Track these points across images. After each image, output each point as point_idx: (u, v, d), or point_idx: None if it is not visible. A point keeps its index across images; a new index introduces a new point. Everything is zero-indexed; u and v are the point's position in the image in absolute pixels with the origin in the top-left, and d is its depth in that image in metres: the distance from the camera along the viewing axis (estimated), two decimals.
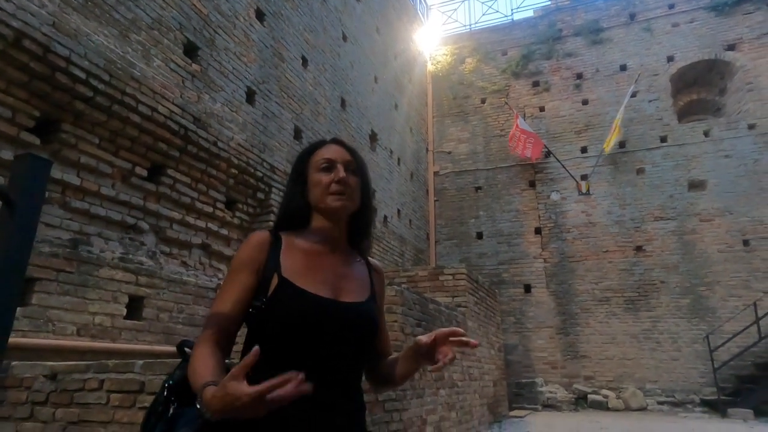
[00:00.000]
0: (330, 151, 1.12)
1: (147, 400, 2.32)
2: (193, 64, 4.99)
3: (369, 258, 1.18)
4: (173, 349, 1.03)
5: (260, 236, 1.06)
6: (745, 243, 9.78)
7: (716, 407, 8.42)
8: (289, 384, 0.73)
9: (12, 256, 1.72)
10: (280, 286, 0.98)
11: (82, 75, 3.80)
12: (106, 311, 3.77)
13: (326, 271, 1.04)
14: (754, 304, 8.94)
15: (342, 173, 1.07)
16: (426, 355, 0.98)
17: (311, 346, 0.96)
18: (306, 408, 0.91)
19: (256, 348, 0.76)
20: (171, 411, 0.92)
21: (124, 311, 3.94)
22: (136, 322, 4.02)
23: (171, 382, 0.97)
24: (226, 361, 0.97)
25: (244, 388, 0.73)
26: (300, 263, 1.02)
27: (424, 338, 0.98)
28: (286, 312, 0.96)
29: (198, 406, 0.80)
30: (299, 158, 1.15)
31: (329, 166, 1.09)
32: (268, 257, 1.02)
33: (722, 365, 8.70)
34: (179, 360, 1.02)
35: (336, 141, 1.16)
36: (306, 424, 0.92)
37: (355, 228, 1.13)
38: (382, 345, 1.14)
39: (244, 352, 1.00)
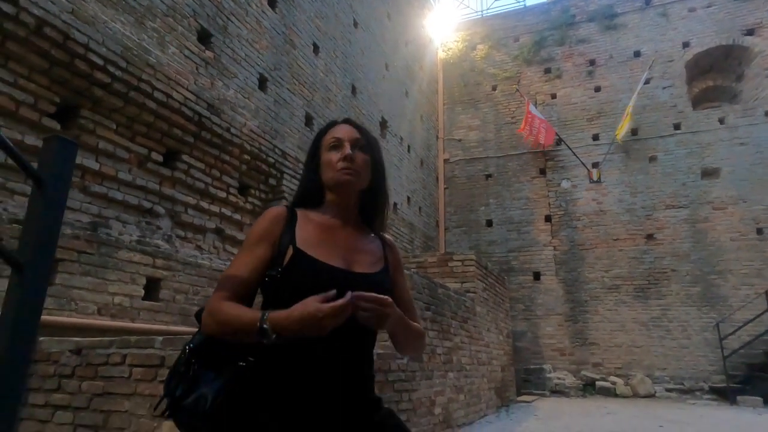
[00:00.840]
0: (339, 131, 1.16)
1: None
2: (207, 51, 5.06)
3: (382, 234, 1.23)
4: (189, 329, 1.09)
5: (277, 211, 1.12)
6: (759, 231, 9.70)
7: (725, 395, 8.44)
8: (348, 305, 0.90)
9: (44, 234, 1.82)
10: (295, 257, 1.04)
11: (100, 62, 3.88)
12: (125, 292, 3.90)
13: (339, 243, 1.10)
14: (766, 293, 8.89)
15: (348, 150, 1.11)
16: None
17: None
18: (319, 372, 0.98)
19: (350, 293, 0.92)
20: (192, 372, 0.98)
21: (142, 292, 4.07)
22: (153, 303, 4.15)
23: (192, 345, 1.02)
24: None
25: (324, 305, 0.89)
26: (314, 236, 1.08)
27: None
28: (300, 280, 1.01)
29: (264, 327, 0.91)
30: (314, 140, 1.21)
31: (337, 144, 1.13)
32: (284, 230, 1.08)
33: (732, 353, 8.69)
34: (198, 328, 1.08)
35: (346, 121, 1.20)
36: (320, 387, 0.98)
37: (368, 205, 1.19)
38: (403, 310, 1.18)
39: None
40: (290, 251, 1.05)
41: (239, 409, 0.96)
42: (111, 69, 3.96)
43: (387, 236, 1.23)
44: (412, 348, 1.17)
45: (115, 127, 4.20)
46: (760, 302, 8.97)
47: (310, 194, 1.17)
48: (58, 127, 3.80)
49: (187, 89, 4.66)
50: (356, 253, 1.11)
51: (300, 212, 1.13)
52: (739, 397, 8.08)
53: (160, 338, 2.54)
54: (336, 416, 0.99)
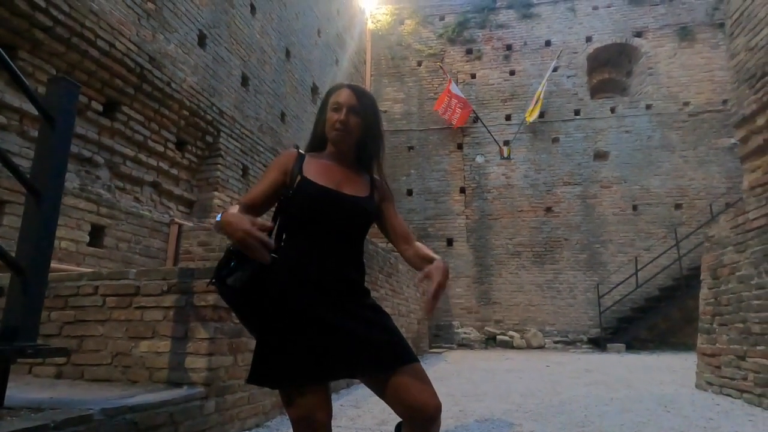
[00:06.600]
0: (341, 96, 1.53)
1: (143, 302, 2.70)
2: (148, 3, 5.01)
3: (374, 175, 1.62)
4: None
5: (291, 151, 1.55)
6: (634, 208, 11.37)
7: (598, 343, 10.02)
8: (263, 252, 1.23)
9: (55, 165, 2.05)
10: (301, 181, 1.47)
11: (42, 3, 3.81)
12: (71, 237, 3.97)
13: (334, 174, 1.52)
14: (635, 259, 10.56)
15: (342, 116, 1.50)
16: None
17: (317, 221, 1.43)
18: (311, 269, 1.41)
19: (270, 223, 1.31)
20: (232, 264, 1.40)
21: (87, 238, 4.14)
22: (97, 249, 4.24)
23: (232, 247, 1.41)
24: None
25: (246, 224, 1.23)
26: (316, 169, 1.51)
27: (425, 271, 1.38)
28: (302, 196, 1.43)
29: (213, 224, 1.30)
30: (324, 96, 1.60)
31: (338, 108, 1.52)
32: (295, 164, 1.51)
33: (606, 309, 10.29)
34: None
35: (349, 86, 1.58)
36: (312, 273, 1.40)
37: (362, 152, 1.59)
38: (397, 232, 1.56)
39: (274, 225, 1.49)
40: (299, 178, 1.47)
41: (259, 286, 1.39)
42: (53, 12, 3.90)
43: (377, 177, 1.63)
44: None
45: (54, 72, 4.14)
46: (631, 267, 10.64)
47: (318, 140, 1.59)
48: None
49: (129, 40, 4.64)
50: (346, 182, 1.54)
51: (307, 155, 1.55)
52: (608, 345, 9.65)
53: (134, 270, 2.78)
54: (326, 292, 1.39)
